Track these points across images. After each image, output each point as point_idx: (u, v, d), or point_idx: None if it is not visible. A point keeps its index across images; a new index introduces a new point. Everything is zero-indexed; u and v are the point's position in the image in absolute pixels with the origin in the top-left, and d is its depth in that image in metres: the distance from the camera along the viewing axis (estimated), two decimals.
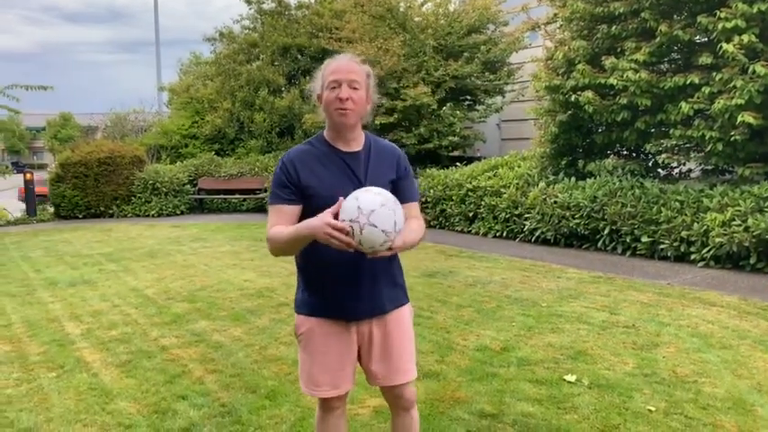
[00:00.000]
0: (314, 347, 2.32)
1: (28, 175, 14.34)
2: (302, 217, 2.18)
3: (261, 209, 14.36)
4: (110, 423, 3.43)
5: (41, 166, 42.73)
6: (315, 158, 2.25)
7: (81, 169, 13.67)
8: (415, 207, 2.37)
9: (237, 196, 14.77)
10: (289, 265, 7.70)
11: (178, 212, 14.24)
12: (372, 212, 1.99)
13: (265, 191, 14.00)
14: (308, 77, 16.78)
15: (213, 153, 16.53)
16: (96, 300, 6.24)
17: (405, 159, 2.39)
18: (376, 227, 1.98)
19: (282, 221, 2.19)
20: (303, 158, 2.25)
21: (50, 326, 5.34)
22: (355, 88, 2.19)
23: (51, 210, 14.29)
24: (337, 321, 2.29)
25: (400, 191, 2.28)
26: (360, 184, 2.17)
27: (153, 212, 13.92)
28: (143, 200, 14.06)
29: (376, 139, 2.38)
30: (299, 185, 2.20)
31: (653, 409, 3.41)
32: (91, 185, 13.72)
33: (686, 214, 7.18)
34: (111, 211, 13.92)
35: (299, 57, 17.71)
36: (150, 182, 14.02)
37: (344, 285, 2.24)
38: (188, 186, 14.60)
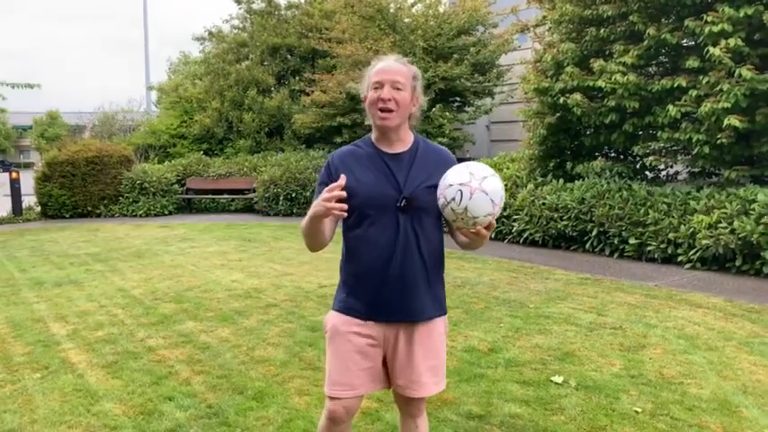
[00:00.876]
0: (336, 345, 2.27)
1: (14, 174, 14.21)
2: (346, 217, 2.14)
3: (250, 209, 14.31)
4: (95, 424, 3.40)
5: (28, 165, 42.38)
6: (357, 160, 2.23)
7: (68, 168, 13.56)
8: None
9: (226, 196, 14.71)
10: (278, 266, 7.68)
11: (166, 212, 14.15)
12: (485, 179, 1.97)
13: (254, 191, 13.96)
14: (297, 77, 16.79)
15: (202, 153, 16.47)
16: (82, 300, 6.19)
17: (456, 164, 2.26)
18: (487, 194, 1.95)
19: None
20: (345, 159, 2.24)
21: (35, 326, 5.29)
22: (399, 89, 2.17)
23: (38, 209, 14.16)
24: (364, 322, 2.24)
25: None
26: (399, 187, 2.16)
27: (141, 212, 13.83)
28: (131, 200, 13.97)
29: (427, 142, 2.34)
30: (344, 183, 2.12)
31: (639, 410, 3.42)
32: (78, 185, 13.61)
33: (673, 216, 7.23)
34: (98, 211, 13.82)
35: (289, 57, 17.68)
36: (138, 181, 13.93)
37: (377, 287, 2.20)
38: (176, 186, 14.52)
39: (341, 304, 2.28)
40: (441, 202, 2.03)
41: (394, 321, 2.24)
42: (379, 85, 2.17)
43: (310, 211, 2.09)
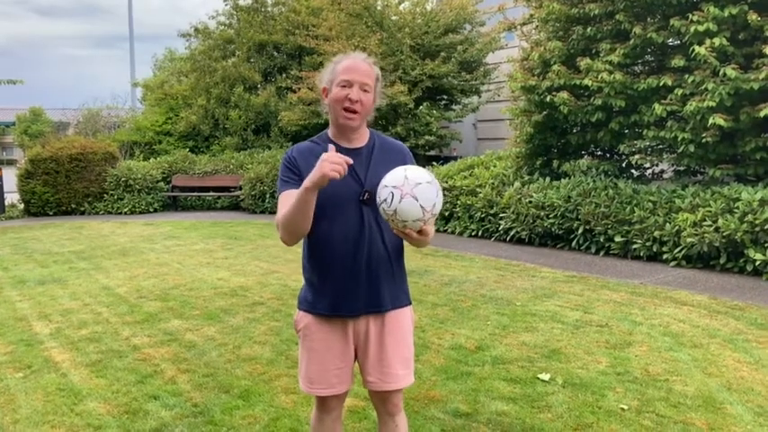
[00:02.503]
0: (310, 344, 2.29)
1: None
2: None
3: (236, 207, 14.24)
4: (79, 424, 3.36)
5: (10, 162, 41.89)
6: (317, 155, 2.15)
7: (52, 165, 13.41)
8: None
9: (212, 194, 14.62)
10: (264, 264, 7.65)
11: (151, 210, 14.04)
12: (418, 185, 1.99)
13: (240, 188, 13.88)
14: (284, 74, 16.71)
15: (187, 150, 16.33)
16: (66, 298, 6.12)
17: (411, 159, 2.34)
18: (417, 200, 1.98)
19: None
20: (305, 155, 2.23)
21: (18, 325, 5.22)
22: (366, 91, 2.18)
23: (21, 207, 14.00)
24: (334, 319, 2.26)
25: None
26: (360, 182, 2.20)
27: (125, 210, 13.71)
28: (115, 197, 13.85)
29: (381, 136, 2.37)
30: (301, 179, 2.13)
31: (625, 407, 3.44)
32: (62, 182, 13.47)
33: (659, 214, 7.27)
34: (82, 209, 13.69)
35: (276, 54, 17.59)
36: (123, 179, 13.81)
37: (343, 281, 2.21)
38: (161, 184, 14.40)
39: (309, 304, 2.30)
40: (377, 201, 2.06)
41: (363, 314, 2.26)
42: (347, 84, 2.16)
43: (308, 183, 2.02)
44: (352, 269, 2.20)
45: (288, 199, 2.16)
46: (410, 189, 1.98)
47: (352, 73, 2.17)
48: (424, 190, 1.99)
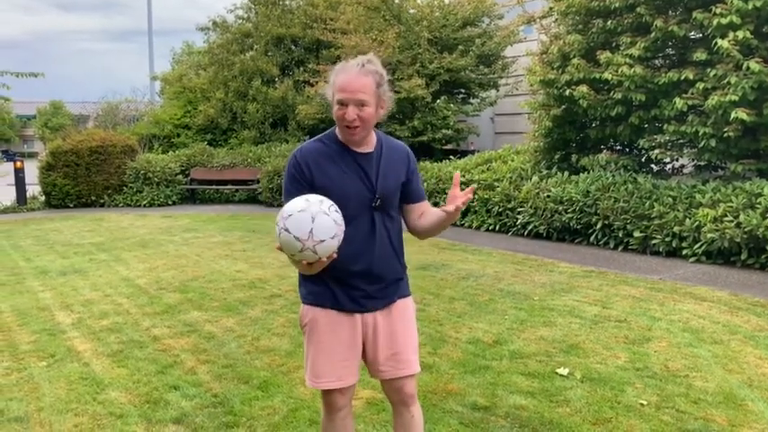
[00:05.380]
0: (317, 338, 2.29)
1: (18, 164, 14.23)
2: None
3: (254, 200, 14.31)
4: (101, 413, 3.41)
5: (32, 155, 42.42)
6: (327, 157, 2.23)
7: (72, 158, 13.56)
8: (427, 204, 2.42)
9: (230, 187, 14.71)
10: (282, 257, 7.67)
11: (170, 203, 14.16)
12: (289, 217, 1.96)
13: (258, 182, 13.95)
14: (301, 68, 16.75)
15: (206, 143, 16.44)
16: (87, 289, 6.20)
17: (414, 160, 2.40)
18: (289, 232, 1.95)
19: None
20: (316, 158, 2.23)
21: (41, 315, 5.30)
22: (363, 105, 2.16)
23: (42, 199, 14.18)
24: (342, 312, 2.28)
25: (411, 192, 2.37)
26: (371, 185, 2.23)
27: (144, 202, 13.84)
28: (134, 189, 13.98)
29: (387, 138, 2.38)
30: (312, 184, 2.18)
31: (644, 402, 3.42)
32: (82, 174, 13.62)
33: (678, 210, 7.20)
34: (102, 201, 13.83)
35: (293, 47, 17.63)
36: (142, 172, 13.93)
37: (353, 279, 2.25)
38: (180, 176, 14.51)
39: (315, 297, 2.30)
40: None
41: (372, 309, 2.30)
42: (342, 104, 2.16)
43: (295, 265, 2.13)
44: (364, 270, 2.24)
45: None
46: (282, 223, 1.97)
47: (345, 92, 2.15)
48: (295, 220, 1.95)
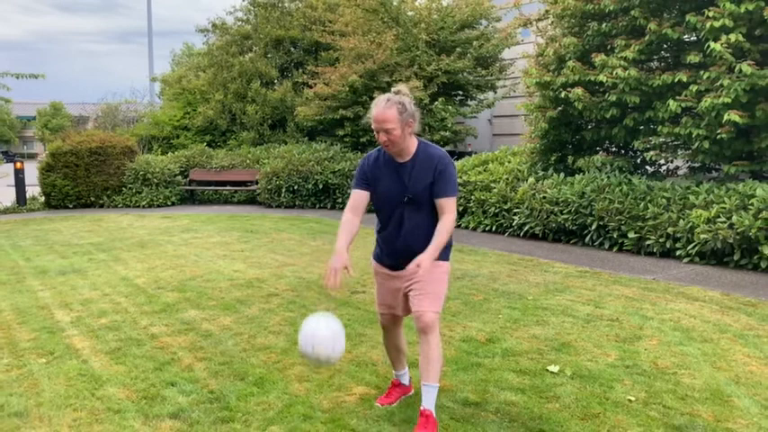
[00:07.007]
0: (379, 280, 3.34)
1: (18, 165, 14.29)
2: (374, 203, 3.21)
3: (252, 201, 14.38)
4: (99, 408, 3.47)
5: (32, 156, 42.47)
6: (380, 164, 3.15)
7: (72, 159, 13.62)
8: (446, 202, 3.05)
9: (229, 188, 14.77)
10: (280, 257, 7.75)
11: (169, 203, 14.23)
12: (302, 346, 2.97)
13: (256, 183, 14.01)
14: (300, 70, 16.81)
15: (205, 144, 16.50)
16: (86, 288, 6.27)
17: (441, 163, 3.06)
18: (308, 356, 2.95)
19: (356, 202, 3.14)
20: (372, 164, 3.16)
21: (40, 313, 5.37)
22: (390, 131, 2.97)
23: (42, 199, 14.24)
24: (386, 268, 3.26)
25: (435, 191, 3.05)
26: (405, 188, 3.07)
27: (143, 203, 13.90)
28: (134, 190, 14.04)
29: (426, 148, 3.12)
30: (368, 181, 3.15)
31: (633, 398, 3.49)
32: (81, 175, 13.68)
33: (672, 211, 7.27)
34: (101, 202, 13.90)
35: (292, 49, 17.70)
36: (141, 172, 13.99)
37: (392, 248, 3.18)
38: (179, 177, 14.58)
39: (376, 257, 3.32)
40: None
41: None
42: (376, 131, 3.01)
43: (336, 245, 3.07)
44: (398, 245, 3.15)
45: (354, 196, 3.16)
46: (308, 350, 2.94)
47: (376, 123, 3.00)
48: (301, 346, 2.95)
